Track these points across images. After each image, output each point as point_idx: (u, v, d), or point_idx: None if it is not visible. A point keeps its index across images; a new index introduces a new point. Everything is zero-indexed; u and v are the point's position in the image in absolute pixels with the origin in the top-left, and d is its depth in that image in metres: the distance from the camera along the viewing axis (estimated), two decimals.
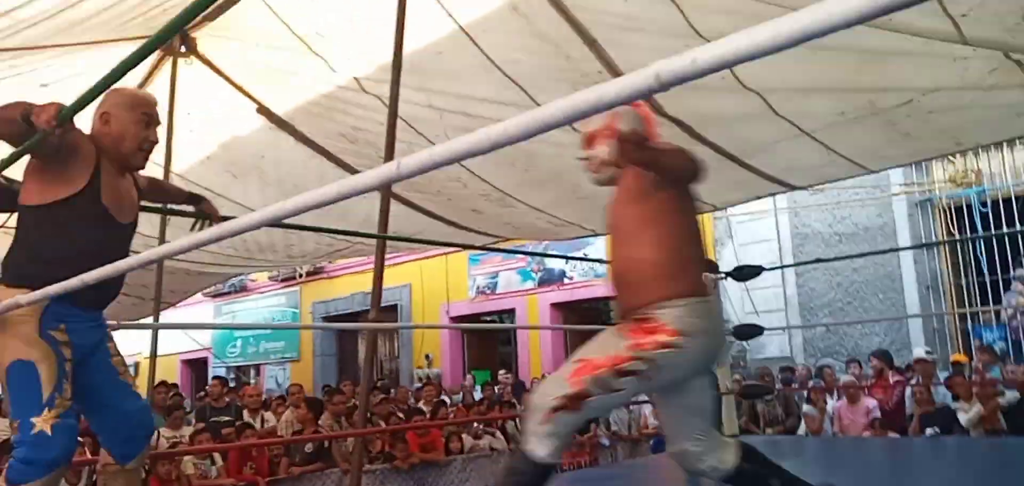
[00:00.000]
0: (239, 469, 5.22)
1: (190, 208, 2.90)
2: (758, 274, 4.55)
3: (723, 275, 4.68)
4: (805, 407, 6.64)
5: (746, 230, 9.06)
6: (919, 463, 4.63)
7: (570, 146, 5.02)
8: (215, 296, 15.54)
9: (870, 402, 6.33)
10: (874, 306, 8.44)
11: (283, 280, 14.69)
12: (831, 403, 6.70)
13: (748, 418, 6.88)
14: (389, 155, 3.66)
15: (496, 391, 9.07)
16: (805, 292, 8.84)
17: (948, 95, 4.25)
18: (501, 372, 10.95)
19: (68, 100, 5.01)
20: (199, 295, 12.43)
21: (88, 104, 1.89)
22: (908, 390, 6.25)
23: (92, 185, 2.24)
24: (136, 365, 17.57)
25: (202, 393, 8.74)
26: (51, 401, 2.10)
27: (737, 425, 4.79)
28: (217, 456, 5.24)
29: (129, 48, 4.92)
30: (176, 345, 14.17)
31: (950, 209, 8.39)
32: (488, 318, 12.76)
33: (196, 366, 16.33)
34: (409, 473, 6.14)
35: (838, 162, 5.16)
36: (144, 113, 2.44)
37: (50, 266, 2.12)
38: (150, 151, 2.45)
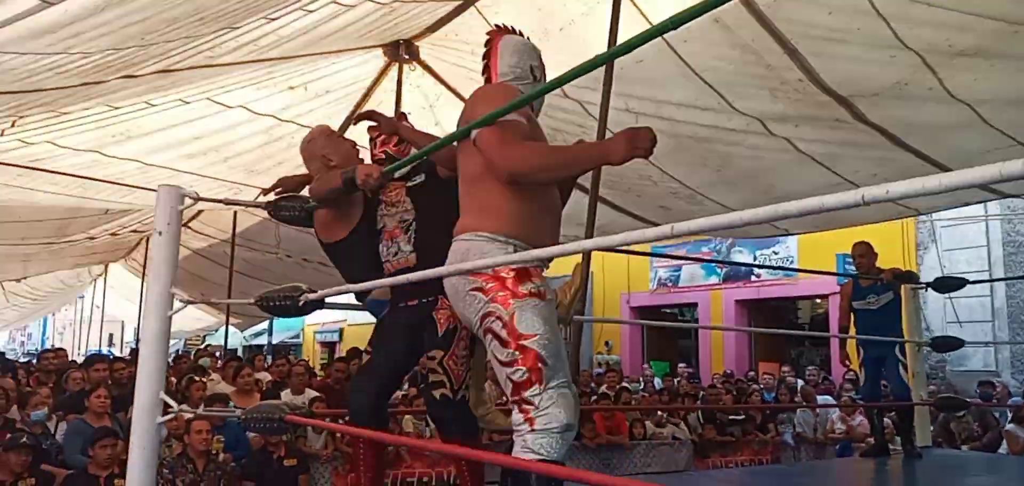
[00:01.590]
0: None
1: None
2: (961, 286, 4.43)
3: (924, 286, 4.58)
4: (1008, 425, 6.26)
5: (952, 235, 8.57)
6: None
7: (768, 150, 5.14)
8: None
9: None
10: None
11: None
12: None
13: (941, 432, 6.59)
14: None
15: (676, 383, 9.22)
16: (1016, 303, 8.21)
17: None
18: (680, 364, 11.07)
19: (309, 97, 5.75)
20: None
21: (406, 167, 2.44)
22: None
23: (365, 218, 2.83)
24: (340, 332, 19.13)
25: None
26: None
27: (929, 437, 4.70)
28: None
29: (362, 56, 5.65)
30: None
31: None
32: (668, 311, 12.84)
33: None
34: (595, 452, 6.51)
35: None
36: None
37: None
38: None
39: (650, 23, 4.36)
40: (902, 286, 4.81)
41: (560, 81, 1.89)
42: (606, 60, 1.71)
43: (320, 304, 2.35)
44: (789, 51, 4.22)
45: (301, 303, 2.30)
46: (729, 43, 4.28)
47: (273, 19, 4.30)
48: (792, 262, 9.92)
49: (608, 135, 4.49)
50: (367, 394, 2.71)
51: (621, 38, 4.11)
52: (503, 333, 2.05)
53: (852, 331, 5.15)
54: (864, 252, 4.95)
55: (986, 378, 7.74)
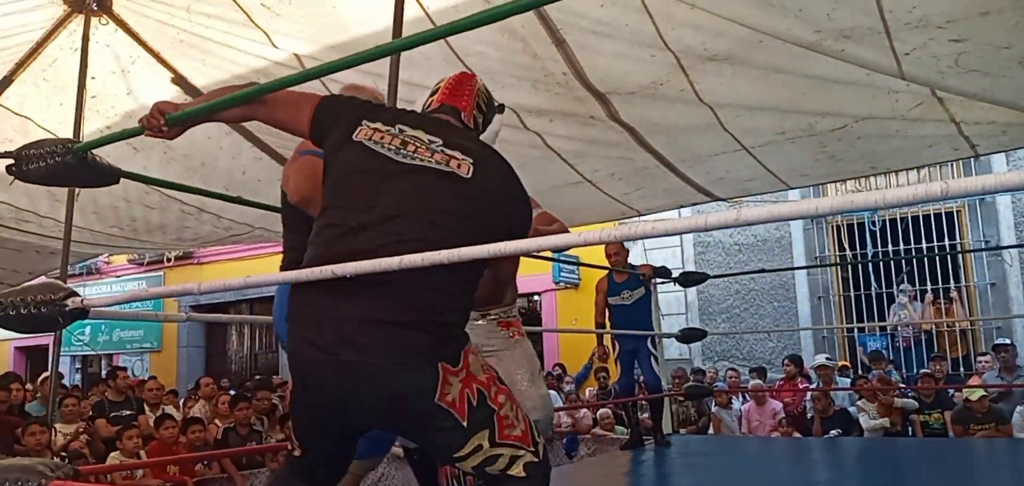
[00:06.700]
0: (164, 468, 4.71)
1: None
2: (704, 280, 4.69)
3: (673, 279, 4.76)
4: (714, 409, 6.92)
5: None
6: (823, 461, 4.95)
7: (517, 144, 4.98)
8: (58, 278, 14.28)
9: (776, 405, 6.69)
10: (769, 313, 8.97)
11: (147, 264, 13.65)
12: (737, 405, 7.03)
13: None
14: None
15: None
16: (705, 298, 9.23)
17: (877, 123, 4.55)
18: None
19: None
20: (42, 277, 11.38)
21: None
22: (809, 395, 6.66)
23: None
24: None
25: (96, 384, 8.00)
26: None
27: (671, 425, 4.90)
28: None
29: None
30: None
31: (842, 226, 9.06)
32: None
33: (34, 354, 14.95)
34: None
35: (764, 177, 5.41)
36: None
37: None
38: None
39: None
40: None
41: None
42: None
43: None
44: (557, 42, 4.07)
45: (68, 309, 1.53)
46: (498, 27, 4.02)
47: None
48: None
49: None
50: None
51: (371, 12, 3.68)
52: None
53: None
54: (618, 249, 5.05)
55: (681, 366, 8.54)
